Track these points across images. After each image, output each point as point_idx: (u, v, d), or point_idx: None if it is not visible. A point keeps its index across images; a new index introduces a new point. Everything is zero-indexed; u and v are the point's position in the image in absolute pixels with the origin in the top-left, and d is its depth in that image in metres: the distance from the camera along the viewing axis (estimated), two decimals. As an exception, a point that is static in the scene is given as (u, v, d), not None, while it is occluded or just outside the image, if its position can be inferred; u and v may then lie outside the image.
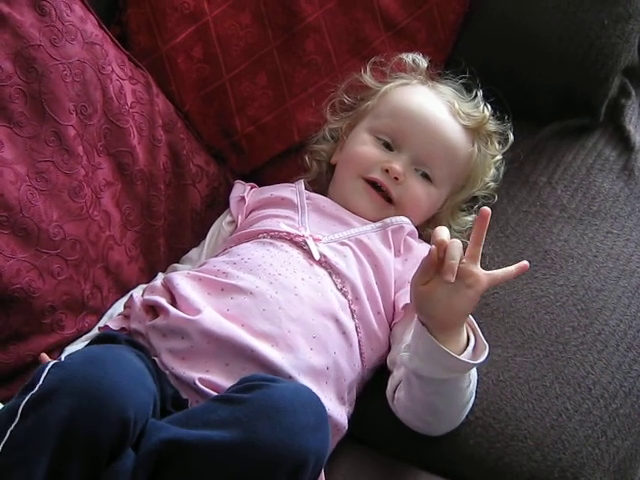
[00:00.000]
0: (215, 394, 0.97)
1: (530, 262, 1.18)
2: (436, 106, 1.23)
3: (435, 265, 0.91)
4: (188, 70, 1.33)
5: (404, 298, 1.09)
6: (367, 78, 1.30)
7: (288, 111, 1.38)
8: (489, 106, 1.27)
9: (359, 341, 1.08)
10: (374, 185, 1.20)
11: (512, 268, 0.94)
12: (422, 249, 1.17)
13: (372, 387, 1.10)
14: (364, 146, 1.22)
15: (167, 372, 1.00)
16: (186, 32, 1.32)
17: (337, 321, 1.06)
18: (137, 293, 1.12)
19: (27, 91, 1.08)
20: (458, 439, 1.04)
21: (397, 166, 1.18)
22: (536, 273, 1.19)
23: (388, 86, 1.28)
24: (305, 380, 0.99)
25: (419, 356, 0.96)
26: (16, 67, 1.07)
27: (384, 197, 1.20)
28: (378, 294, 1.11)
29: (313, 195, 1.23)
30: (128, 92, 1.22)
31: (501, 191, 1.30)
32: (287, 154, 1.39)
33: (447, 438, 1.05)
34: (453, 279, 0.89)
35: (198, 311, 1.03)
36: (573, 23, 1.38)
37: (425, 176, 1.20)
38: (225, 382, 0.98)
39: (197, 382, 0.98)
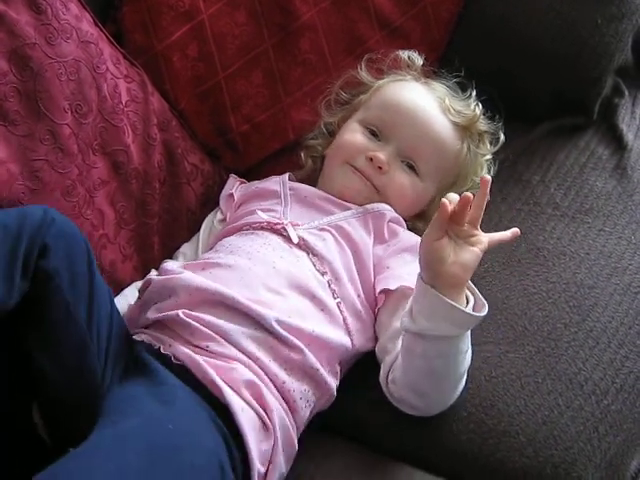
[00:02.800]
0: (197, 325, 1.00)
1: (523, 259, 1.22)
2: (426, 101, 1.24)
3: (446, 222, 0.94)
4: (183, 68, 1.33)
5: (383, 283, 1.10)
6: (363, 74, 1.31)
7: (283, 109, 1.39)
8: (480, 105, 1.27)
9: (344, 319, 1.09)
10: (361, 174, 1.21)
11: (507, 233, 0.99)
12: (407, 237, 1.18)
13: (363, 386, 1.10)
14: (352, 134, 1.23)
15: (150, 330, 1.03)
16: (181, 30, 1.32)
17: (315, 298, 1.07)
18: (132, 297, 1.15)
19: (22, 89, 1.08)
20: (451, 435, 1.05)
21: (381, 155, 1.19)
22: (528, 270, 1.20)
23: (382, 81, 1.29)
24: (288, 333, 1.02)
25: (424, 315, 0.97)
26: (11, 65, 1.07)
27: (370, 185, 1.20)
28: (358, 278, 1.12)
29: (296, 185, 1.24)
30: (123, 90, 1.22)
31: (494, 189, 1.29)
32: (282, 152, 1.40)
33: (440, 434, 1.05)
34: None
35: (180, 272, 1.07)
36: (566, 23, 1.38)
37: (411, 168, 1.21)
38: (210, 317, 1.01)
39: (181, 314, 1.01)
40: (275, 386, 1.01)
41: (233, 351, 1.00)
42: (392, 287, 1.08)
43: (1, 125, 1.06)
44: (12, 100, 1.07)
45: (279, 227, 1.14)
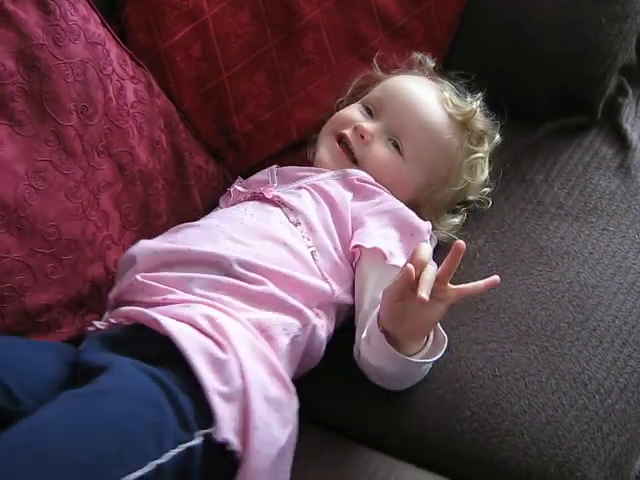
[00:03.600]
0: (154, 283, 1.00)
1: (526, 259, 1.22)
2: (423, 87, 1.26)
3: (410, 283, 0.92)
4: (187, 68, 1.33)
5: (358, 239, 1.11)
6: (377, 72, 1.33)
7: (286, 109, 1.39)
8: (483, 105, 1.27)
9: (319, 268, 1.09)
10: (343, 142, 1.23)
11: (481, 283, 0.95)
12: (390, 199, 1.18)
13: (360, 381, 1.09)
14: (348, 109, 1.27)
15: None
16: (185, 30, 1.32)
17: (285, 244, 1.08)
18: None
19: (29, 90, 1.07)
20: (454, 435, 1.05)
21: (365, 125, 1.21)
22: (532, 270, 1.20)
23: (392, 73, 1.31)
24: (253, 273, 1.02)
25: (377, 355, 0.99)
26: (19, 66, 1.07)
27: (348, 155, 1.22)
28: (335, 231, 1.13)
29: (282, 169, 1.26)
30: (129, 92, 1.22)
31: (498, 189, 1.30)
32: (286, 152, 1.40)
33: (443, 433, 1.05)
34: (427, 297, 0.89)
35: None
36: (570, 22, 1.38)
37: (396, 147, 1.22)
38: (166, 273, 1.02)
39: (139, 277, 1.02)
40: (240, 318, 0.98)
41: (191, 297, 0.99)
42: (367, 246, 1.09)
43: (7, 125, 1.06)
44: (18, 100, 1.06)
45: (257, 193, 1.17)
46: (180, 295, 1.00)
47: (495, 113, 1.30)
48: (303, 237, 1.10)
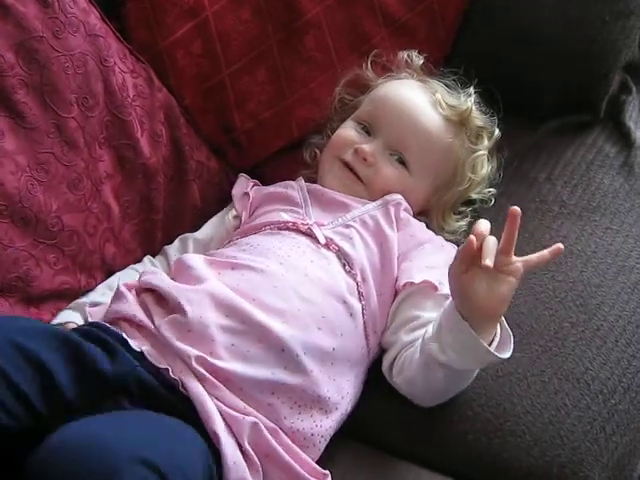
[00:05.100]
0: (209, 376, 0.96)
1: None
2: (414, 94, 1.24)
3: (472, 256, 0.92)
4: (187, 65, 1.33)
5: (407, 275, 1.10)
6: (367, 73, 1.31)
7: (288, 107, 1.38)
8: (478, 101, 1.26)
9: (364, 323, 1.08)
10: (349, 166, 1.22)
11: (546, 252, 0.94)
12: (421, 227, 1.19)
13: (368, 384, 1.10)
14: (344, 130, 1.25)
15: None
16: (185, 27, 1.32)
17: (345, 303, 1.07)
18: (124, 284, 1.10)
19: (29, 82, 1.08)
20: (457, 435, 1.04)
21: (366, 147, 1.20)
22: (535, 269, 1.19)
23: (379, 80, 1.30)
24: (311, 360, 1.00)
25: (455, 351, 0.97)
26: (18, 58, 1.07)
27: (356, 177, 1.21)
28: (381, 274, 1.12)
29: (312, 187, 1.23)
30: (130, 85, 1.22)
31: (500, 187, 1.30)
32: (287, 150, 1.39)
33: (446, 434, 1.05)
34: (491, 264, 0.90)
35: (201, 281, 1.03)
36: (574, 19, 1.38)
37: (401, 163, 1.21)
38: (226, 363, 0.97)
39: (194, 364, 0.97)
40: (283, 430, 0.98)
41: (245, 407, 0.97)
42: (416, 280, 1.09)
43: (9, 117, 1.07)
44: (19, 93, 1.07)
45: (305, 227, 1.14)
46: (235, 399, 0.97)
47: (491, 107, 1.29)
48: (358, 290, 1.09)
